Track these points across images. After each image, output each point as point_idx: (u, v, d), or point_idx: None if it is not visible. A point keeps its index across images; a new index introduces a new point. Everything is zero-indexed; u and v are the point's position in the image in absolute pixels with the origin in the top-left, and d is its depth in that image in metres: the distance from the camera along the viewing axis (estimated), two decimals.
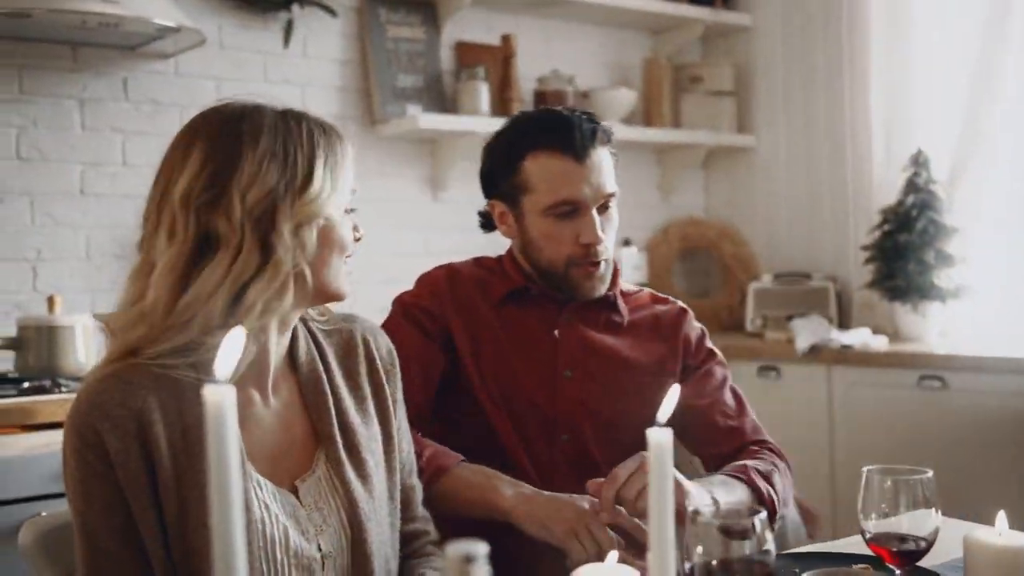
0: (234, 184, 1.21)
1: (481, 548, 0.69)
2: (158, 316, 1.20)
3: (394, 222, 3.56)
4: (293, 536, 1.26)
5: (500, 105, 3.67)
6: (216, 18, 3.22)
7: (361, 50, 3.53)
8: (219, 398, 0.70)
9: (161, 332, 1.20)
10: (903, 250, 3.41)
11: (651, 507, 0.88)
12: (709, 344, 1.87)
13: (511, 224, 1.79)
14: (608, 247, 1.73)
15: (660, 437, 0.89)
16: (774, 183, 4.16)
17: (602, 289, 1.76)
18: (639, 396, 1.72)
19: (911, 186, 3.45)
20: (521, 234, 1.77)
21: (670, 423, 1.69)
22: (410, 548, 1.47)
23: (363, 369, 1.43)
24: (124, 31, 2.80)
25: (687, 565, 1.01)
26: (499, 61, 3.72)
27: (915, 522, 1.22)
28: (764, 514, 1.01)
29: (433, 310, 1.77)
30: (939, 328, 3.49)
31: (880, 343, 3.36)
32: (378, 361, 1.44)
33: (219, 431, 0.70)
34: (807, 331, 3.45)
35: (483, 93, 3.59)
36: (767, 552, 1.01)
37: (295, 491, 1.31)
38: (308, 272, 1.25)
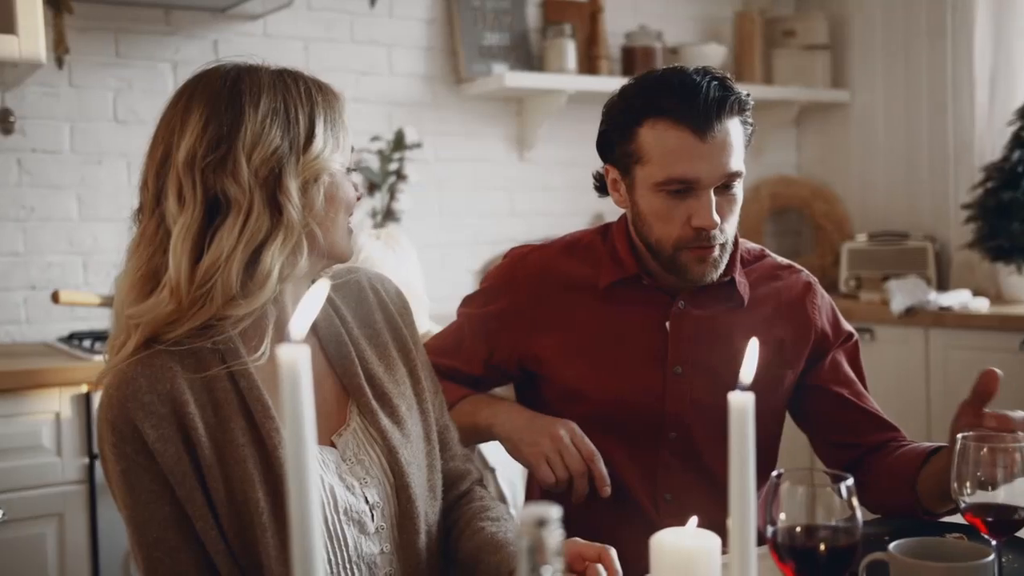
0: (239, 144, 1.18)
1: (554, 511, 0.68)
2: (183, 287, 1.17)
3: (479, 182, 3.56)
4: (340, 493, 1.26)
5: (587, 63, 3.63)
6: None
7: (447, 9, 3.51)
8: (292, 358, 0.70)
9: (188, 307, 1.18)
10: (1007, 208, 3.27)
11: (732, 470, 0.86)
12: (843, 322, 1.71)
13: (623, 193, 1.61)
14: (727, 230, 1.54)
15: (742, 401, 0.87)
16: (870, 139, 4.04)
17: (714, 275, 1.57)
18: (754, 387, 1.59)
19: (1017, 141, 3.30)
20: (631, 206, 1.60)
21: (792, 409, 1.68)
22: (457, 490, 1.46)
23: (378, 316, 1.42)
24: None
25: (770, 529, 0.99)
26: (586, 17, 3.67)
27: (1013, 492, 1.18)
28: (851, 480, 0.98)
29: (511, 321, 1.68)
30: None
31: (980, 305, 3.25)
32: (391, 305, 1.44)
33: (294, 392, 0.70)
34: (903, 292, 3.35)
35: (570, 50, 3.55)
36: (853, 519, 0.98)
37: (332, 446, 1.31)
38: (318, 231, 1.24)
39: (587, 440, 1.51)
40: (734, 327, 1.61)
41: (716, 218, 1.50)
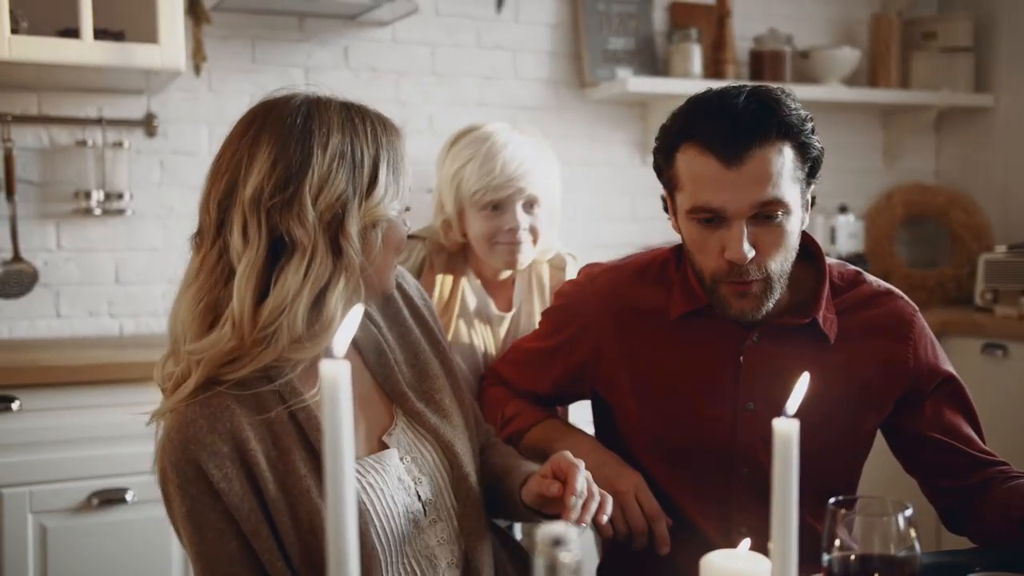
0: (306, 186, 1.19)
1: (572, 531, 0.71)
2: (246, 325, 1.18)
3: (601, 186, 3.57)
4: (401, 500, 1.29)
5: (713, 67, 3.59)
6: None
7: (572, 13, 3.54)
8: (333, 373, 0.74)
9: (251, 346, 1.19)
10: None
11: (775, 497, 0.87)
12: (943, 363, 1.60)
13: (673, 218, 1.56)
14: (771, 266, 1.44)
15: (786, 428, 0.87)
16: (1014, 146, 3.86)
17: (759, 312, 1.48)
18: (828, 429, 1.52)
19: None
20: (680, 233, 1.54)
21: (897, 454, 1.62)
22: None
23: (406, 312, 1.46)
24: (341, 2, 2.94)
25: (825, 558, 0.99)
26: (714, 21, 3.63)
27: None
28: (910, 510, 0.97)
29: (580, 346, 1.66)
30: None
31: None
32: (416, 299, 1.49)
33: (334, 407, 0.74)
34: None
35: (695, 55, 3.52)
36: (912, 550, 0.97)
37: (385, 447, 1.33)
38: (373, 272, 1.27)
39: (652, 498, 1.50)
40: (815, 365, 1.49)
41: (747, 251, 1.40)
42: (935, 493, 1.61)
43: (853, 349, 1.55)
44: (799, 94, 3.80)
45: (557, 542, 0.70)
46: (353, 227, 1.22)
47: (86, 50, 2.54)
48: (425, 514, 1.33)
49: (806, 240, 1.57)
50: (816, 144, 1.46)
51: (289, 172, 1.20)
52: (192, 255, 1.27)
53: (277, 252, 1.21)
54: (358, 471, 1.27)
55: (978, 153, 3.99)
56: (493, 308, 1.98)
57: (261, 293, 1.20)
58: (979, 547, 1.52)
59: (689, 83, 3.45)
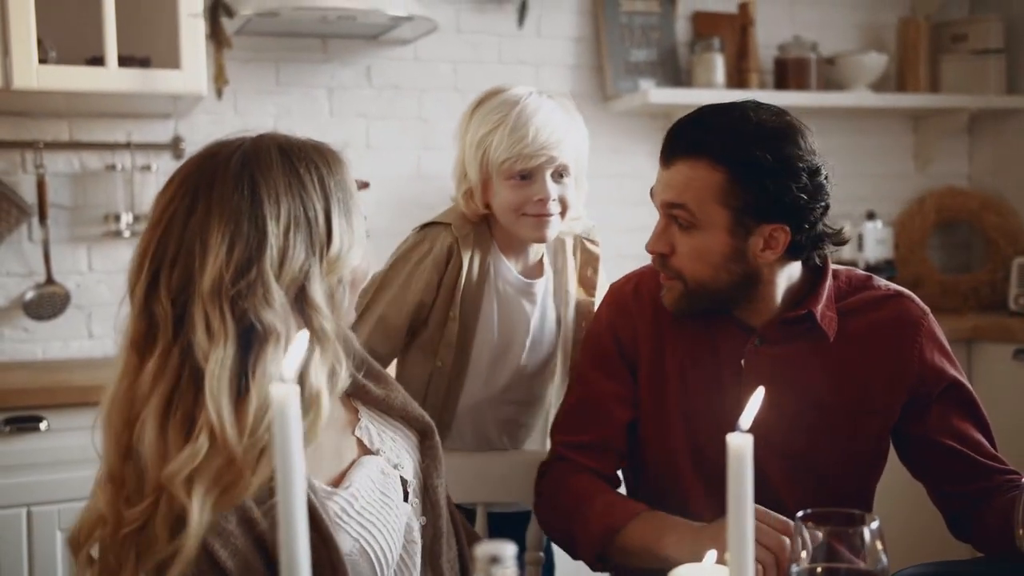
0: (267, 265, 1.12)
1: (509, 548, 0.72)
2: (229, 433, 1.05)
3: (624, 197, 3.57)
4: (393, 519, 1.28)
5: (736, 77, 3.59)
6: (452, 3, 3.35)
7: (594, 26, 3.55)
8: (283, 397, 0.77)
9: (246, 460, 1.06)
10: None
11: (730, 512, 0.88)
12: (948, 368, 1.58)
13: None
14: (683, 267, 1.51)
15: (740, 443, 0.88)
16: None
17: (676, 310, 1.56)
18: (830, 434, 1.55)
19: None
20: None
21: (903, 459, 1.61)
22: None
23: None
24: (362, 23, 2.99)
25: (793, 569, 0.99)
26: (737, 30, 3.62)
27: None
28: (876, 523, 0.97)
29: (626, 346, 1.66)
30: None
31: None
32: None
33: (283, 430, 0.77)
34: None
35: (718, 65, 3.52)
36: (879, 562, 0.97)
37: (360, 442, 1.32)
38: (344, 325, 1.23)
39: (772, 512, 1.35)
40: (815, 365, 1.54)
41: (653, 242, 1.53)
42: (941, 499, 1.60)
43: (857, 351, 1.55)
44: (825, 101, 3.77)
45: (494, 560, 0.71)
46: (318, 294, 1.16)
47: (111, 77, 2.61)
48: (407, 497, 1.34)
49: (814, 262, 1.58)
50: (780, 189, 1.44)
51: (249, 254, 1.11)
52: (131, 362, 1.13)
53: (248, 341, 1.10)
54: (352, 514, 1.23)
55: (1012, 155, 3.93)
56: (524, 279, 1.85)
57: (237, 391, 1.08)
58: (983, 555, 1.51)
59: (712, 93, 3.45)
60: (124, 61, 2.64)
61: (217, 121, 3.10)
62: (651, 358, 1.62)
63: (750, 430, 1.49)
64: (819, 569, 0.98)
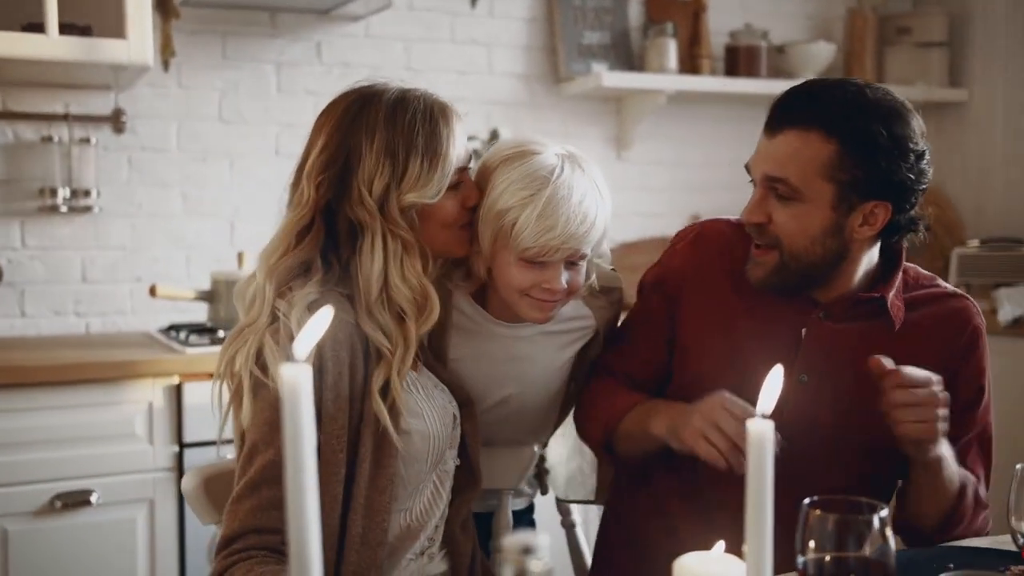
0: (356, 176, 1.41)
1: (542, 540, 0.68)
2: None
3: None
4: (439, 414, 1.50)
5: (688, 62, 3.58)
6: None
7: (547, 8, 3.51)
8: (294, 377, 0.72)
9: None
10: None
11: (749, 500, 0.85)
12: (985, 378, 1.62)
13: None
14: (781, 239, 1.51)
15: (760, 429, 0.85)
16: (987, 141, 3.87)
17: (766, 284, 1.55)
18: (872, 415, 1.49)
19: None
20: None
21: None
22: None
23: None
24: None
25: (800, 560, 0.97)
26: (689, 16, 3.62)
27: None
28: (885, 511, 0.95)
29: (668, 287, 1.69)
30: None
31: None
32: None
33: (295, 410, 0.72)
34: (1014, 301, 3.21)
35: (671, 50, 3.50)
36: (886, 551, 0.95)
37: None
38: (425, 246, 1.46)
39: (740, 401, 1.42)
40: (874, 347, 1.52)
41: (752, 214, 1.51)
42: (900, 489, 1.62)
43: (916, 341, 1.55)
44: (774, 89, 3.77)
45: (527, 550, 0.67)
46: (395, 210, 1.43)
47: (51, 45, 2.49)
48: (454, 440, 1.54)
49: (892, 249, 1.59)
50: (891, 167, 1.44)
51: (346, 164, 1.45)
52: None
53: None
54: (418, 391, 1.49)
55: (951, 148, 4.00)
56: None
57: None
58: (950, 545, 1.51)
59: (664, 78, 3.44)
60: (64, 29, 2.53)
61: (161, 95, 2.99)
62: (706, 306, 1.64)
63: (798, 410, 1.51)
64: (827, 558, 0.96)
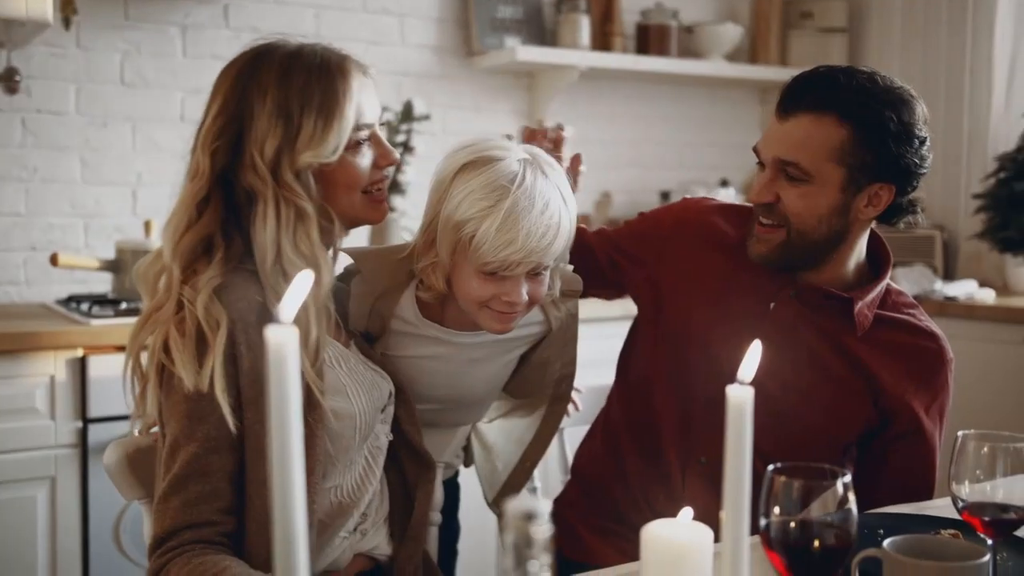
0: (249, 140, 1.33)
1: (543, 505, 0.67)
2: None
3: None
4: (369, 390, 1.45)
5: (601, 39, 3.59)
6: None
7: None
8: (281, 340, 0.68)
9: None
10: (1019, 199, 3.24)
11: (727, 466, 0.85)
12: (936, 428, 1.66)
13: None
14: (789, 219, 1.54)
15: (740, 395, 0.85)
16: None
17: (768, 259, 1.59)
18: (822, 403, 1.60)
19: None
20: None
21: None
22: None
23: None
24: None
25: (763, 522, 0.98)
26: None
27: (1012, 490, 1.16)
28: (847, 477, 0.97)
29: (641, 256, 1.77)
30: None
31: (987, 296, 3.22)
32: None
33: (281, 374, 0.68)
34: (909, 280, 3.33)
35: (584, 26, 3.51)
36: (848, 515, 0.96)
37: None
38: (326, 209, 1.38)
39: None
40: (835, 342, 1.60)
41: (760, 195, 1.55)
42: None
43: (877, 356, 1.60)
44: (683, 68, 3.82)
45: (529, 516, 0.66)
46: (288, 173, 1.33)
47: None
48: (385, 418, 1.50)
49: (879, 246, 1.66)
50: (899, 152, 1.50)
51: (235, 125, 1.35)
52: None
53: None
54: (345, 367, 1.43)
55: None
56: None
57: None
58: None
59: (577, 54, 3.44)
60: None
61: (58, 55, 2.84)
62: (687, 271, 1.70)
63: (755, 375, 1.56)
64: (792, 523, 0.97)
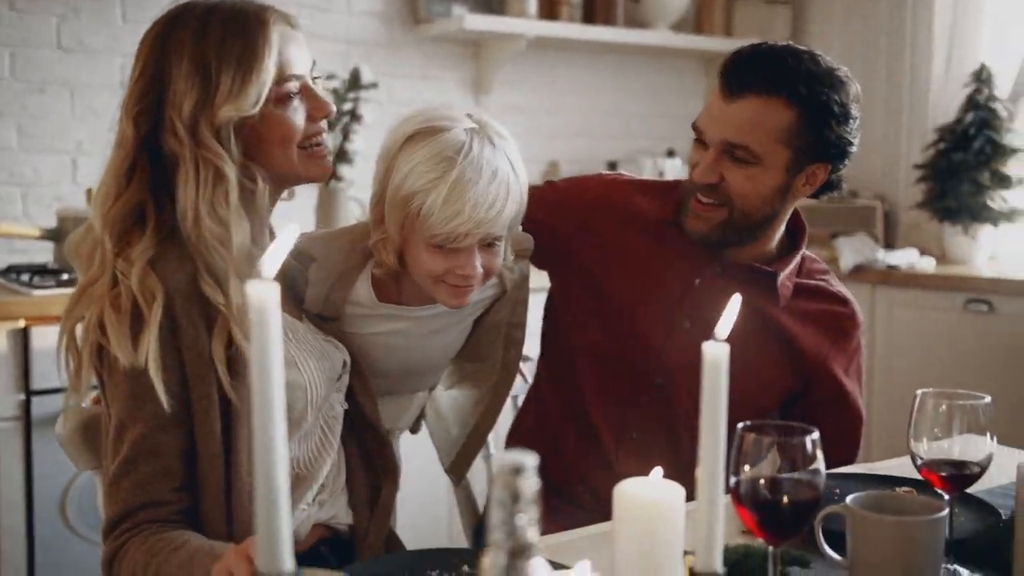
0: (168, 102, 1.28)
1: (530, 459, 0.66)
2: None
3: None
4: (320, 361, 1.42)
5: (547, 8, 3.57)
6: None
7: None
8: (262, 295, 0.67)
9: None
10: (957, 170, 3.31)
11: (704, 422, 0.86)
12: (857, 394, 1.71)
13: None
14: (732, 199, 1.55)
15: (716, 352, 0.86)
16: None
17: (709, 237, 1.60)
18: (745, 373, 1.53)
19: (971, 103, 3.33)
20: None
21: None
22: None
23: None
24: None
25: (732, 480, 0.99)
26: None
27: (968, 447, 1.19)
28: (815, 434, 0.98)
29: (557, 228, 1.73)
30: (988, 251, 3.41)
31: (927, 265, 3.29)
32: None
33: (263, 331, 0.67)
34: (852, 250, 3.38)
35: None
36: (816, 472, 0.98)
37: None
38: (250, 170, 1.33)
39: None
40: (760, 316, 1.62)
41: (706, 176, 1.54)
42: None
43: (795, 323, 1.65)
44: (629, 38, 3.82)
45: (517, 470, 0.65)
46: (207, 131, 1.28)
47: None
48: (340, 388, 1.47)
49: (796, 218, 1.68)
50: (835, 132, 1.53)
51: (153, 86, 1.30)
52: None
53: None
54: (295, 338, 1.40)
55: None
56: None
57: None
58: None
59: (524, 22, 3.42)
60: None
61: None
62: (607, 245, 1.70)
63: (677, 352, 1.60)
64: (762, 480, 0.98)
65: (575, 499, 1.71)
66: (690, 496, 0.88)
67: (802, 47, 1.57)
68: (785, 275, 1.63)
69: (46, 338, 2.25)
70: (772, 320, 1.64)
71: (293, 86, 1.34)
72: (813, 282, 1.68)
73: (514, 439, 1.86)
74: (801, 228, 1.69)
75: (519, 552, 0.66)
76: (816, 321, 1.66)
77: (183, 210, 1.27)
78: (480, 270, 1.46)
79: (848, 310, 1.69)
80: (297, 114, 1.35)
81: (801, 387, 1.67)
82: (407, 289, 1.56)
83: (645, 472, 0.94)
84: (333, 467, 1.48)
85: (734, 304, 0.88)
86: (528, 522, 0.66)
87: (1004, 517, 1.29)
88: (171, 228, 1.29)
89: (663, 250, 1.67)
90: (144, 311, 1.23)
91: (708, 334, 1.57)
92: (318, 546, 1.47)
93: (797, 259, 1.66)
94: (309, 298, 1.52)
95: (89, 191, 2.69)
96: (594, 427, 1.69)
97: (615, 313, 1.68)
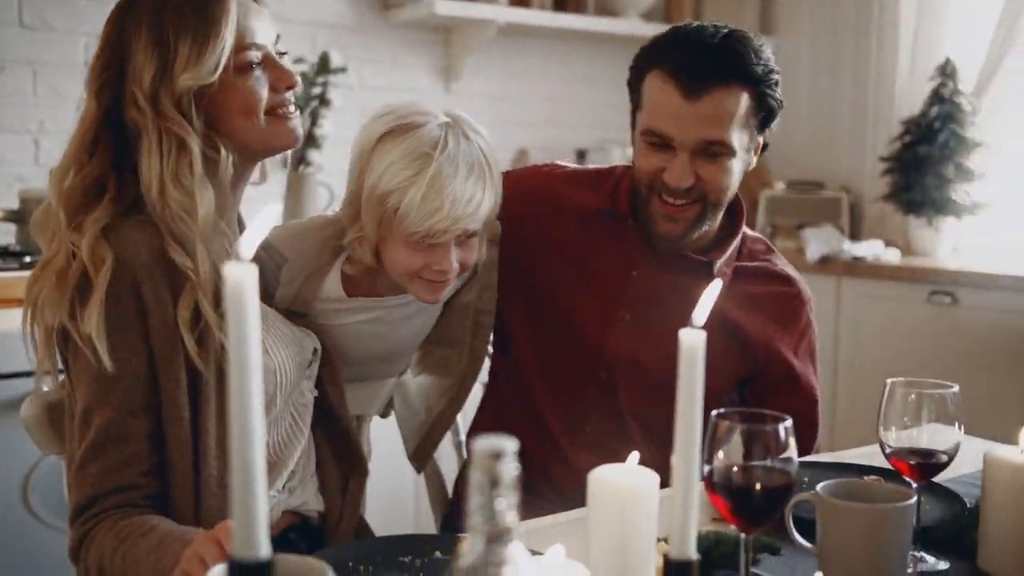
0: (129, 75, 1.29)
1: (510, 444, 0.66)
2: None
3: None
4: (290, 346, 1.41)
5: None
6: None
7: None
8: (240, 277, 0.66)
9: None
10: (922, 163, 3.34)
11: (680, 410, 0.86)
12: (810, 374, 1.69)
13: (632, 132, 1.64)
14: (708, 196, 1.54)
15: (692, 338, 0.86)
16: (793, 88, 4.04)
17: (686, 237, 1.58)
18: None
19: (936, 97, 3.36)
20: (633, 146, 1.64)
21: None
22: None
23: None
24: None
25: (706, 468, 0.99)
26: None
27: (936, 436, 1.20)
28: (789, 421, 0.98)
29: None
30: (952, 244, 3.45)
31: (892, 256, 3.32)
32: None
33: (240, 312, 0.66)
34: (818, 241, 3.41)
35: None
36: (788, 460, 0.98)
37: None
38: (213, 139, 1.32)
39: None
40: (695, 305, 1.58)
41: (686, 180, 1.51)
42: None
43: (738, 308, 1.62)
44: (599, 26, 3.82)
45: (497, 455, 0.65)
46: (167, 101, 1.28)
47: None
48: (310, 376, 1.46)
49: (735, 198, 1.64)
50: (776, 97, 1.54)
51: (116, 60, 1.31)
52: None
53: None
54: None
55: None
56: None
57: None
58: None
59: (494, 8, 3.41)
60: None
61: None
62: (541, 240, 1.67)
63: (619, 345, 1.60)
64: (735, 468, 0.98)
65: (536, 491, 1.71)
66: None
67: (720, 23, 1.55)
68: (722, 262, 1.62)
69: (7, 321, 2.20)
70: (715, 308, 1.60)
71: (254, 55, 1.34)
72: (755, 263, 1.67)
73: (474, 434, 1.84)
74: (740, 208, 1.67)
75: (497, 537, 0.66)
76: (761, 304, 1.65)
77: (147, 181, 1.27)
78: (456, 265, 1.46)
79: (793, 289, 1.68)
80: (259, 83, 1.35)
81: (752, 371, 1.66)
82: (381, 282, 1.55)
83: (599, 465, 0.95)
84: (303, 454, 1.47)
85: (713, 289, 0.88)
86: (507, 507, 0.65)
87: (969, 505, 1.31)
88: (132, 201, 1.29)
89: (596, 242, 1.66)
90: (92, 277, 1.22)
91: (649, 327, 1.61)
92: (287, 532, 1.46)
93: (736, 242, 1.65)
94: (279, 297, 1.51)
95: (52, 172, 2.65)
96: (545, 422, 1.68)
97: (553, 307, 1.67)
